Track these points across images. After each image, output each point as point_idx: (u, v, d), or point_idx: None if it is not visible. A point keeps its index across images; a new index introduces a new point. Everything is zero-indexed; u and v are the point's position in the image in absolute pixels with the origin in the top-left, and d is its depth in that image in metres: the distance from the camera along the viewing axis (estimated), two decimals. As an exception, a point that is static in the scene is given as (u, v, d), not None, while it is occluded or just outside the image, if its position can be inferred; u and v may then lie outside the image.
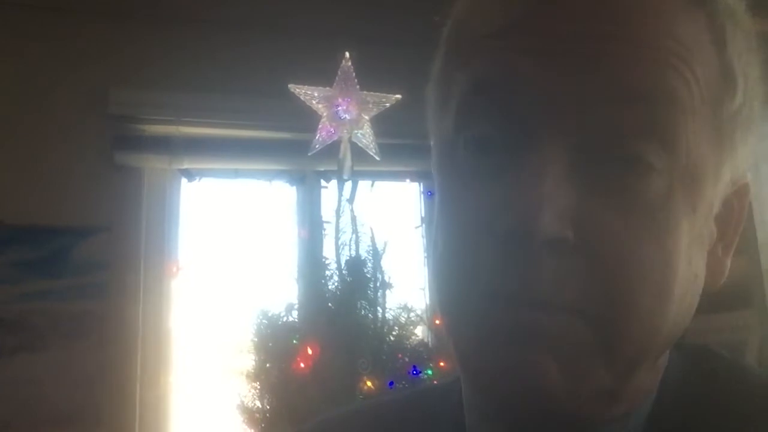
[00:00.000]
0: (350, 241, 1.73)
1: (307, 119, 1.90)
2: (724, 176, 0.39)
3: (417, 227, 2.38)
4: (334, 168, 1.93)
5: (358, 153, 1.89)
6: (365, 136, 1.84)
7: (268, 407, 1.57)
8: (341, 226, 1.75)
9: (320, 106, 1.82)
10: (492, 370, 0.36)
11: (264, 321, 1.66)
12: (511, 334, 0.35)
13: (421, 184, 2.42)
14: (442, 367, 1.60)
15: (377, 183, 2.33)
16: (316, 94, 1.81)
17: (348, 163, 1.82)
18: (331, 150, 1.89)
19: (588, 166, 0.35)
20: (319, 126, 1.83)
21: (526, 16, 0.37)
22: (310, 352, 1.53)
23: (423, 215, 2.42)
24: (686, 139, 0.35)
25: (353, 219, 1.75)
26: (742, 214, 0.42)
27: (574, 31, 0.35)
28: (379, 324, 1.65)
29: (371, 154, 1.86)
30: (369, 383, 1.51)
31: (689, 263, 0.37)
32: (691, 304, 0.39)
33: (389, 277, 1.73)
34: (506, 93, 0.37)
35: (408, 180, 2.38)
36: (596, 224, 0.35)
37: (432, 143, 0.46)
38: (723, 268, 0.42)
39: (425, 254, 2.35)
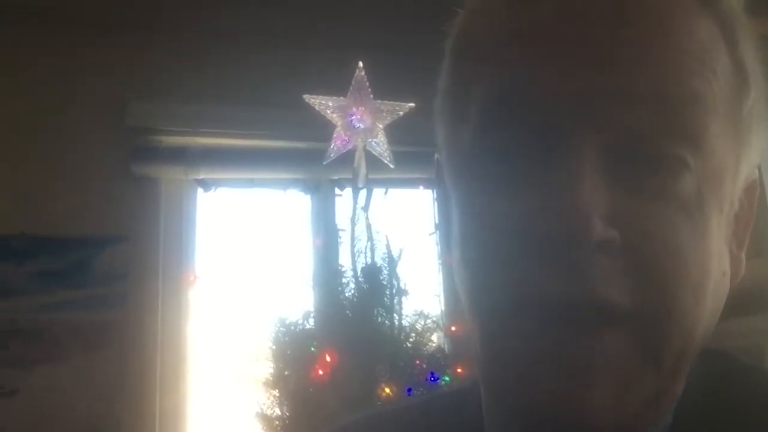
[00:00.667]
0: (366, 248, 1.74)
1: (322, 129, 1.92)
2: (742, 173, 0.40)
3: (431, 234, 2.39)
4: (349, 176, 1.94)
5: (373, 161, 1.89)
6: (379, 145, 1.85)
7: (287, 415, 1.58)
8: (356, 233, 1.76)
9: (335, 115, 1.84)
10: (538, 401, 0.35)
11: (282, 329, 1.67)
12: (562, 361, 0.35)
13: (435, 190, 2.42)
14: (459, 373, 1.60)
15: (391, 190, 2.34)
16: (330, 104, 1.83)
17: (363, 171, 1.83)
18: (346, 159, 1.90)
19: (622, 166, 0.35)
20: (334, 135, 1.85)
21: (544, 23, 0.37)
22: (328, 359, 1.53)
23: (437, 222, 2.42)
24: (711, 139, 0.36)
25: (368, 226, 1.76)
26: (753, 209, 0.43)
27: (592, 36, 0.36)
28: (396, 331, 1.65)
29: (386, 162, 1.87)
30: (387, 390, 1.51)
31: (719, 262, 0.38)
32: (719, 302, 0.40)
33: (405, 284, 1.73)
34: (532, 102, 0.36)
35: (421, 187, 2.39)
36: (638, 224, 0.35)
37: (442, 156, 0.46)
38: (740, 263, 0.42)
39: (440, 261, 2.35)
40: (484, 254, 0.38)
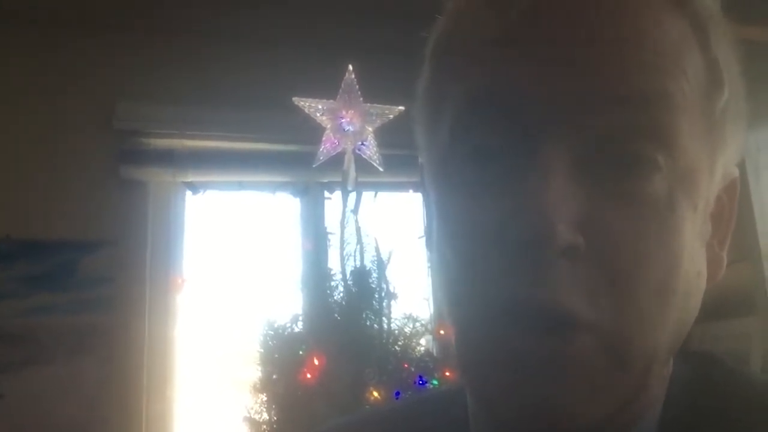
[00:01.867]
0: (355, 251, 1.74)
1: (311, 131, 1.92)
2: (717, 172, 0.40)
3: (420, 237, 2.39)
4: (338, 179, 1.94)
5: (362, 164, 1.90)
6: (369, 148, 1.86)
7: (275, 419, 1.57)
8: (346, 236, 1.76)
9: (324, 118, 1.84)
10: (512, 404, 0.36)
11: (270, 332, 1.66)
12: (531, 365, 0.35)
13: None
14: (447, 377, 1.60)
15: (380, 194, 2.34)
16: (320, 107, 1.83)
17: (352, 174, 1.83)
18: (335, 161, 1.90)
19: (592, 168, 0.36)
20: (323, 138, 1.85)
21: (518, 25, 0.37)
22: (316, 362, 1.53)
23: (426, 225, 2.42)
24: (682, 138, 0.36)
25: (358, 229, 1.76)
26: (733, 209, 0.43)
27: (566, 37, 0.36)
28: (384, 334, 1.65)
29: (375, 165, 1.87)
30: (375, 393, 1.51)
31: (692, 261, 0.38)
32: (695, 302, 0.40)
33: (394, 288, 1.73)
34: (504, 102, 0.37)
35: (411, 190, 2.39)
36: (604, 228, 0.35)
37: (423, 159, 0.46)
38: (720, 261, 0.42)
39: (428, 264, 2.36)
40: (456, 258, 0.39)
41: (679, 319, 0.38)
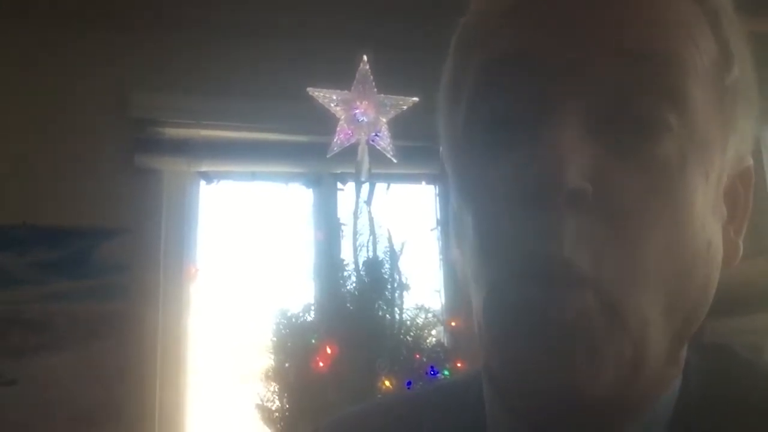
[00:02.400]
0: (368, 242, 1.74)
1: (324, 122, 1.92)
2: (730, 149, 0.40)
3: (432, 230, 2.39)
4: (351, 170, 1.95)
5: (375, 155, 1.90)
6: (383, 139, 1.85)
7: (287, 407, 1.58)
8: (358, 227, 1.76)
9: (338, 108, 1.84)
10: (526, 369, 0.36)
11: (283, 321, 1.67)
12: (540, 332, 0.35)
13: (437, 186, 2.43)
14: (459, 367, 1.60)
15: (393, 186, 2.34)
16: (334, 97, 1.83)
17: (365, 165, 1.83)
18: (348, 153, 1.90)
19: (605, 127, 0.36)
20: (337, 129, 1.85)
21: None
22: (328, 351, 1.54)
23: (439, 217, 2.43)
24: (694, 103, 0.37)
25: (371, 220, 1.77)
26: (749, 197, 0.43)
27: (585, 4, 0.37)
28: (396, 324, 1.66)
29: (388, 156, 1.87)
30: (387, 383, 1.52)
31: (703, 229, 0.38)
32: (707, 278, 0.39)
33: (406, 279, 1.73)
34: (522, 64, 0.38)
35: (424, 182, 2.39)
36: (614, 182, 0.35)
37: (442, 146, 0.47)
38: (736, 247, 0.42)
39: (440, 256, 2.36)
40: (477, 222, 0.39)
41: (687, 286, 0.38)
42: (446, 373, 1.58)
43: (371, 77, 1.83)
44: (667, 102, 0.36)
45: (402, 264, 1.75)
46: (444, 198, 2.37)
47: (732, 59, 0.40)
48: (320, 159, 1.99)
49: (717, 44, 0.39)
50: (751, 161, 0.44)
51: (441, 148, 0.48)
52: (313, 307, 1.72)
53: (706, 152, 0.38)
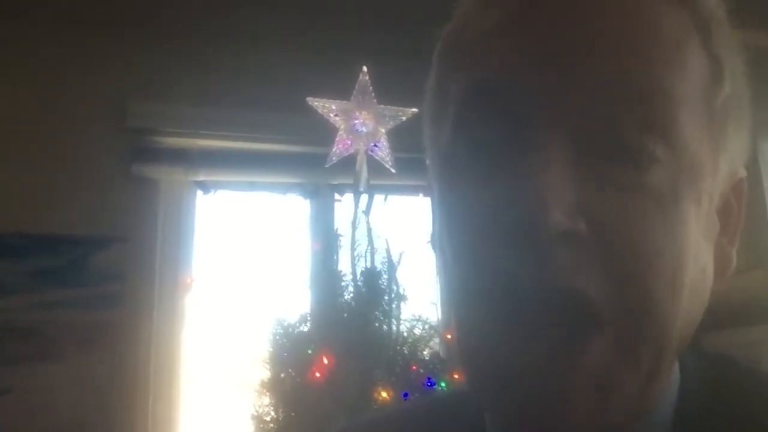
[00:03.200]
0: (365, 252, 1.73)
1: (321, 133, 1.92)
2: (722, 168, 0.40)
3: (428, 241, 2.39)
4: (348, 182, 1.94)
5: (373, 167, 1.90)
6: (382, 149, 1.86)
7: (282, 417, 1.57)
8: (356, 237, 1.76)
9: (337, 119, 1.84)
10: (514, 401, 0.35)
11: (279, 331, 1.66)
12: (534, 363, 0.34)
13: (434, 207, 2.42)
14: (456, 379, 1.59)
15: (390, 197, 2.34)
16: (333, 107, 1.84)
17: (364, 175, 1.83)
18: (346, 163, 1.90)
19: (593, 160, 0.35)
20: (336, 139, 1.85)
21: (521, 17, 0.37)
22: (325, 362, 1.53)
23: (432, 226, 2.42)
24: (684, 133, 0.36)
25: (369, 231, 1.76)
26: (741, 208, 0.43)
27: (563, 29, 0.36)
28: (393, 335, 1.65)
29: (387, 167, 1.87)
30: (384, 394, 1.51)
31: (696, 257, 0.37)
32: (701, 300, 0.39)
33: (404, 290, 1.73)
34: (504, 93, 0.37)
35: (421, 194, 2.39)
36: (608, 215, 0.35)
37: (428, 157, 0.47)
38: (730, 258, 0.42)
39: (435, 268, 2.35)
40: (458, 245, 0.38)
41: (685, 316, 0.37)
42: (443, 384, 1.57)
43: (371, 87, 1.83)
44: (653, 134, 0.35)
45: (399, 275, 1.75)
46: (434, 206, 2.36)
47: (723, 74, 0.39)
48: (318, 170, 1.99)
49: (708, 60, 0.39)
50: (744, 173, 0.44)
51: (427, 161, 0.48)
52: (309, 318, 1.71)
53: (697, 177, 0.37)
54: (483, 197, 0.37)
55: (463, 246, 0.38)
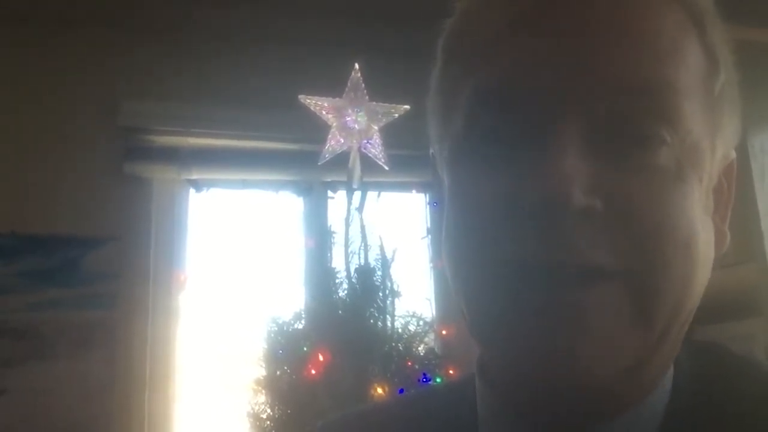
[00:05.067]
0: (359, 249, 1.74)
1: (314, 130, 1.92)
2: (718, 150, 0.43)
3: (423, 238, 2.39)
4: (341, 179, 1.95)
5: (366, 164, 1.90)
6: (374, 146, 1.86)
7: (278, 414, 1.57)
8: (350, 234, 1.76)
9: (330, 116, 1.84)
10: (526, 356, 0.37)
11: (274, 328, 1.66)
12: (544, 317, 0.36)
13: (428, 194, 2.43)
14: (451, 374, 1.60)
15: (384, 194, 2.34)
16: (326, 105, 1.84)
17: (357, 172, 1.83)
18: (339, 161, 1.90)
19: (603, 145, 0.38)
20: (329, 136, 1.85)
21: (527, 16, 0.39)
22: (320, 359, 1.53)
23: (429, 226, 2.43)
24: (686, 118, 0.39)
25: (362, 228, 1.77)
26: (731, 189, 0.46)
27: (573, 28, 0.38)
28: (388, 332, 1.66)
29: (380, 163, 1.88)
30: (380, 390, 1.51)
31: (704, 229, 0.40)
32: (706, 271, 0.41)
33: (398, 286, 1.74)
34: (518, 92, 0.39)
35: (414, 191, 2.39)
36: (622, 192, 0.37)
37: (434, 150, 0.48)
38: (724, 235, 0.45)
39: (431, 264, 2.36)
40: (472, 228, 0.40)
41: (696, 286, 0.40)
42: (438, 380, 1.58)
43: (363, 85, 1.83)
44: (661, 121, 0.38)
45: (393, 271, 1.75)
46: (434, 206, 2.38)
47: (718, 65, 0.42)
48: (311, 167, 1.99)
49: (704, 52, 0.41)
50: (734, 155, 0.47)
51: (432, 152, 0.49)
52: (304, 315, 1.71)
53: (699, 158, 0.40)
54: (500, 181, 0.39)
55: (479, 227, 0.40)
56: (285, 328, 1.66)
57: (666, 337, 0.39)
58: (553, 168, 0.36)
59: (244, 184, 2.32)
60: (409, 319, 1.72)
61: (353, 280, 1.69)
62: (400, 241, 1.90)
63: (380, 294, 1.69)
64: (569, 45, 0.38)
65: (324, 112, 1.84)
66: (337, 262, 1.78)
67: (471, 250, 0.40)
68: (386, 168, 1.87)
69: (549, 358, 0.36)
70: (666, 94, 0.38)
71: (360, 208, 1.82)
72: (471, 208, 0.41)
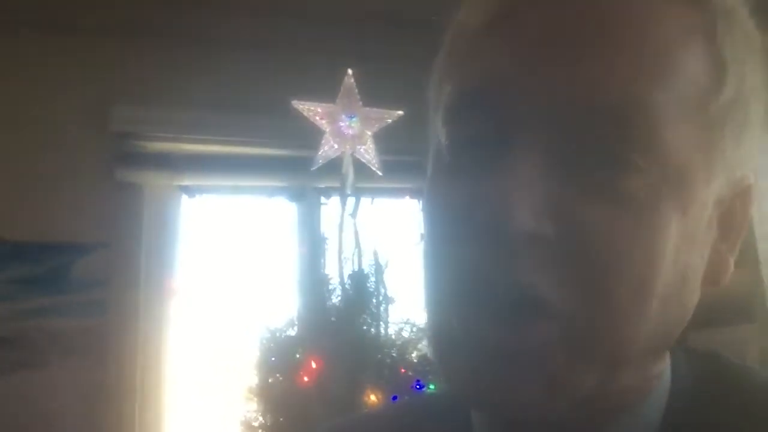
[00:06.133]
0: (353, 255, 1.73)
1: (307, 136, 1.92)
2: (717, 176, 0.38)
3: (417, 244, 2.39)
4: (334, 184, 1.94)
5: (360, 170, 1.90)
6: (368, 152, 1.86)
7: (270, 422, 1.56)
8: (343, 240, 1.76)
9: (323, 121, 1.84)
10: (472, 389, 0.37)
11: (266, 335, 1.65)
12: (483, 346, 0.35)
13: (421, 200, 2.43)
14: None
15: (377, 200, 2.34)
16: (319, 110, 1.83)
17: (350, 178, 1.83)
18: (331, 167, 1.90)
19: (566, 162, 0.35)
20: (322, 141, 1.85)
21: (507, 18, 0.38)
22: (313, 366, 1.53)
23: (422, 232, 2.43)
24: (668, 141, 0.35)
25: (356, 234, 1.76)
26: (746, 215, 0.42)
27: (551, 36, 0.36)
28: (382, 338, 1.65)
29: (374, 168, 1.88)
30: (373, 397, 1.51)
31: (675, 264, 0.36)
32: (682, 306, 0.39)
33: (392, 292, 1.73)
34: (488, 97, 0.37)
35: (407, 197, 2.39)
36: (577, 218, 0.34)
37: (430, 149, 0.47)
38: (726, 265, 0.41)
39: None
40: (435, 240, 0.40)
41: (658, 321, 0.37)
42: (432, 387, 1.58)
43: (356, 90, 1.83)
44: (631, 145, 0.35)
45: (387, 278, 1.75)
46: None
47: (725, 78, 0.37)
48: (304, 173, 1.99)
49: (709, 62, 0.37)
50: (752, 179, 0.42)
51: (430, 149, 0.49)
52: (296, 322, 1.71)
53: (684, 185, 0.36)
54: (459, 196, 0.37)
55: (439, 241, 0.39)
56: (277, 335, 1.65)
57: (620, 371, 0.37)
58: (501, 186, 0.34)
59: (237, 190, 2.32)
60: (403, 325, 1.72)
61: (346, 286, 1.69)
62: (394, 247, 1.90)
63: (374, 300, 1.68)
64: (542, 52, 0.35)
65: (317, 118, 1.83)
66: (331, 268, 1.77)
67: (429, 260, 0.39)
68: (380, 174, 1.87)
69: (489, 391, 0.35)
70: (643, 116, 0.34)
71: (353, 214, 1.81)
72: (435, 221, 0.40)
